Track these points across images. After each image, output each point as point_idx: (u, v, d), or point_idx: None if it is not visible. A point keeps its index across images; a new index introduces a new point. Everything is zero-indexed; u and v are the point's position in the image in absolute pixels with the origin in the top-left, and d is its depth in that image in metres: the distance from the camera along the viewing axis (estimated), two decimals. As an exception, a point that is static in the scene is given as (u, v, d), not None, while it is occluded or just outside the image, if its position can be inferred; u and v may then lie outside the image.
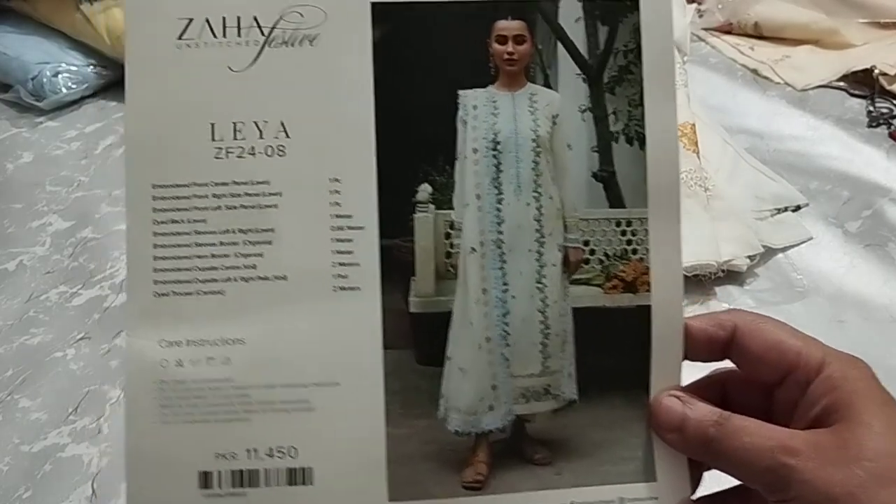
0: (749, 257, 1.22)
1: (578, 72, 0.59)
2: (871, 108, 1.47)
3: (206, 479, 0.57)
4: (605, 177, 0.60)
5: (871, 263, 1.25)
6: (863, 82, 1.58)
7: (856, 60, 1.63)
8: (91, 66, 1.53)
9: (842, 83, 1.61)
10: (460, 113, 0.58)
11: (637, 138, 0.59)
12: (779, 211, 1.33)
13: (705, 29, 1.85)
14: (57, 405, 0.98)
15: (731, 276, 1.20)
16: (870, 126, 1.46)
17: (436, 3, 0.59)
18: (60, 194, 1.31)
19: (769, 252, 1.25)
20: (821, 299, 1.18)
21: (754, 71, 1.71)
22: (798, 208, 1.34)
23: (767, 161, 1.42)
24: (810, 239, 1.29)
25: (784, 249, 1.27)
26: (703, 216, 1.22)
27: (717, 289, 1.19)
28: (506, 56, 0.59)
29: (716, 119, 1.51)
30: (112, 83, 1.56)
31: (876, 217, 1.31)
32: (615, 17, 0.59)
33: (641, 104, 0.59)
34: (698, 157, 1.32)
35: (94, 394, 0.99)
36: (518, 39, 0.59)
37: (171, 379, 0.57)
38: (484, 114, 0.59)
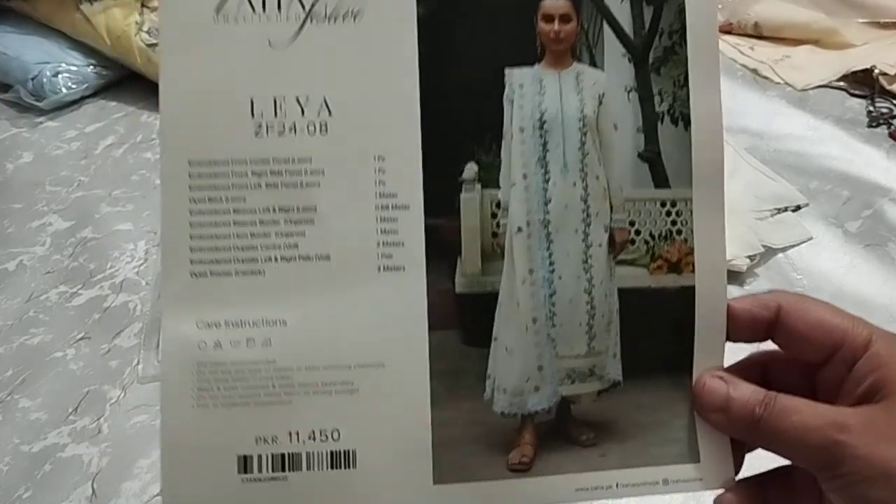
0: (749, 257, 1.23)
1: (624, 52, 0.59)
2: (871, 108, 1.48)
3: (245, 464, 0.56)
4: (651, 157, 0.60)
5: (871, 263, 1.26)
6: (863, 82, 1.60)
7: (856, 60, 1.65)
8: (91, 66, 1.54)
9: (842, 83, 1.62)
10: (507, 91, 0.58)
11: (682, 119, 0.59)
12: (779, 211, 1.34)
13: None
14: (57, 405, 0.98)
15: (730, 276, 1.18)
16: (870, 126, 1.47)
17: None
18: (60, 194, 1.31)
19: (769, 252, 1.26)
20: (821, 299, 1.18)
21: (754, 71, 1.72)
22: (798, 208, 1.35)
23: (767, 161, 1.43)
24: (810, 239, 1.30)
25: (784, 249, 1.28)
26: None
27: None
28: (552, 35, 0.58)
29: None
30: (112, 83, 1.56)
31: (876, 217, 1.33)
32: None
33: (686, 85, 0.59)
34: None
35: (93, 394, 0.99)
36: (564, 18, 0.58)
37: (209, 361, 0.56)
38: (530, 92, 0.58)
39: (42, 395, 0.99)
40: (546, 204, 0.59)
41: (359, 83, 0.57)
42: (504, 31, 0.59)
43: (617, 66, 0.60)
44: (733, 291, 1.17)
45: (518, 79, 0.58)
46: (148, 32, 1.42)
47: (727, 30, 1.86)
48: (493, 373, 0.58)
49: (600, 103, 0.59)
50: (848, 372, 0.57)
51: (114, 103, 1.53)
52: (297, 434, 0.56)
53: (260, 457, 0.56)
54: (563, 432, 0.59)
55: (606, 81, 0.60)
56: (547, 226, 0.59)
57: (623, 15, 0.59)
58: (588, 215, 0.59)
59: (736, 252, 1.22)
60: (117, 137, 1.44)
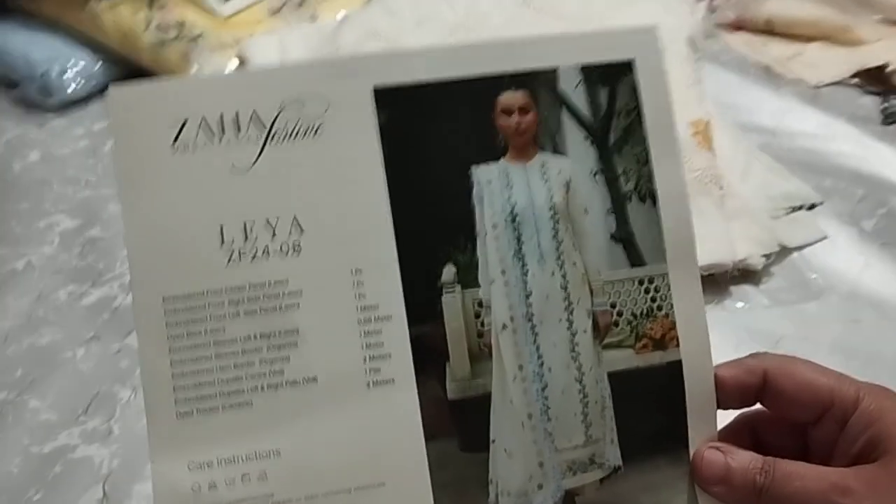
0: (765, 256, 1.22)
1: (585, 135, 0.61)
2: (886, 105, 1.47)
3: None
4: (624, 237, 0.62)
5: (886, 262, 1.26)
6: (876, 79, 1.59)
7: (869, 57, 1.65)
8: (99, 64, 1.53)
9: (855, 80, 1.61)
10: (475, 190, 0.59)
11: (649, 195, 0.61)
12: (793, 209, 1.34)
13: (717, 25, 1.85)
14: (67, 406, 0.98)
15: (746, 275, 1.21)
16: (883, 123, 1.47)
17: (437, 83, 0.60)
18: (68, 193, 1.31)
19: (784, 251, 1.26)
20: (836, 298, 1.19)
21: (766, 68, 1.71)
22: (812, 207, 1.35)
23: (780, 159, 1.43)
24: (825, 238, 1.29)
25: (799, 248, 1.27)
26: (718, 215, 1.23)
27: (732, 288, 1.20)
28: (513, 128, 0.60)
29: (728, 116, 1.51)
30: (120, 80, 1.54)
31: (891, 215, 1.33)
32: (613, 79, 0.61)
33: (648, 162, 0.61)
34: (713, 155, 1.33)
35: (104, 394, 0.99)
36: (523, 110, 0.60)
37: (205, 503, 0.56)
38: (498, 188, 0.60)
39: (52, 396, 0.99)
40: (527, 297, 0.60)
41: (327, 198, 0.58)
42: (465, 130, 0.60)
43: (580, 150, 0.62)
44: (749, 290, 1.18)
45: (485, 175, 0.60)
46: (156, 29, 1.43)
47: (739, 26, 1.86)
48: (495, 477, 0.59)
49: (568, 190, 0.61)
50: (840, 430, 0.59)
51: (122, 101, 1.53)
52: None
53: None
54: None
55: (571, 167, 0.61)
56: (531, 319, 0.60)
57: (579, 99, 0.61)
58: (570, 303, 0.61)
59: (751, 251, 1.22)
60: (124, 136, 1.45)
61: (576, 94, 0.61)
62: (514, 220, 0.60)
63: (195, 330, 0.56)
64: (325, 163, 0.58)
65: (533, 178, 0.60)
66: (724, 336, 0.96)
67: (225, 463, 0.56)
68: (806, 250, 1.27)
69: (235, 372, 0.56)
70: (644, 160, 0.61)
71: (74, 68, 1.51)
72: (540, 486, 0.60)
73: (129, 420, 0.96)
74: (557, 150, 0.61)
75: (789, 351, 0.64)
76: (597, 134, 0.61)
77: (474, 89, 0.60)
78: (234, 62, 1.39)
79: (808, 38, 1.78)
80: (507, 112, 0.60)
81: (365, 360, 0.57)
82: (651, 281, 0.61)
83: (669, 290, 0.61)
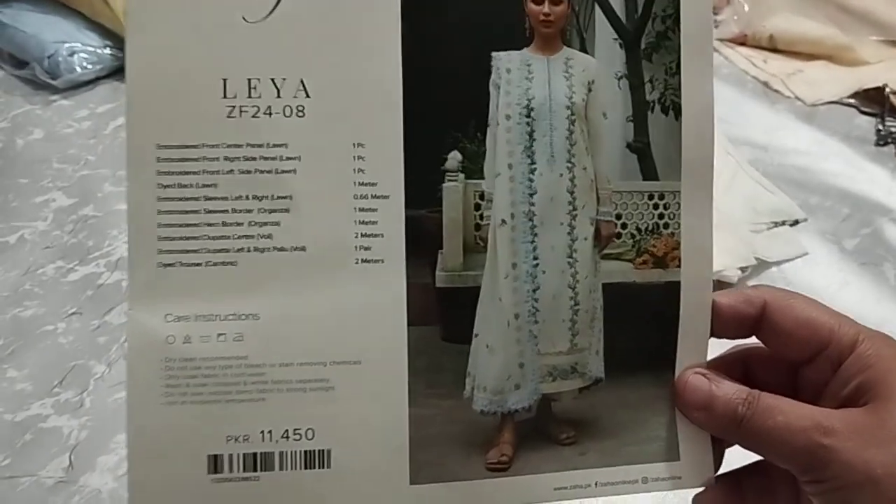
0: (741, 269, 1.26)
1: (615, 36, 0.60)
2: (881, 127, 1.50)
3: (216, 463, 0.57)
4: (640, 148, 0.61)
5: (864, 281, 1.30)
6: (874, 100, 1.61)
7: (868, 78, 1.67)
8: (107, 48, 1.60)
9: (852, 100, 1.63)
10: (493, 76, 0.59)
11: (673, 108, 0.60)
12: (776, 224, 1.36)
13: (720, 39, 1.86)
14: (43, 377, 1.03)
15: (721, 287, 1.24)
16: (877, 144, 1.49)
17: None
18: (66, 171, 1.37)
19: (763, 265, 1.30)
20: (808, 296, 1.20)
21: (765, 83, 1.74)
22: (796, 223, 1.37)
23: (770, 174, 1.45)
24: (805, 254, 1.31)
25: (778, 263, 1.30)
26: None
27: None
28: (542, 17, 0.59)
29: (720, 129, 1.52)
30: None
31: (874, 236, 1.36)
32: None
33: (678, 72, 0.60)
34: None
35: (80, 368, 1.04)
36: (555, 0, 0.59)
37: (178, 356, 0.56)
38: (518, 78, 0.59)
39: (29, 367, 1.05)
40: (531, 195, 0.60)
41: (338, 64, 0.57)
42: (491, 13, 0.59)
43: (608, 51, 0.61)
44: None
45: (505, 63, 0.59)
46: None
47: (741, 41, 1.88)
48: (473, 370, 0.60)
49: (590, 90, 0.60)
50: (833, 372, 0.59)
51: (126, 85, 1.57)
52: (270, 433, 0.57)
53: (231, 456, 0.57)
54: (544, 431, 0.61)
55: (597, 68, 0.60)
56: (532, 218, 0.60)
57: None
58: (574, 208, 0.61)
59: (728, 263, 1.25)
60: (127, 119, 1.49)
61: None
62: (528, 114, 0.59)
63: (187, 182, 0.56)
64: (341, 26, 0.57)
65: (555, 72, 0.60)
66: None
67: (202, 319, 0.57)
68: (785, 265, 1.30)
69: (223, 230, 0.56)
70: (674, 70, 0.60)
71: (82, 51, 1.57)
72: (517, 386, 0.61)
73: (101, 394, 1.01)
74: (584, 48, 0.60)
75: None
76: (628, 37, 0.60)
77: (508, -30, 0.59)
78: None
79: (810, 57, 1.80)
80: (538, 0, 0.59)
81: (356, 235, 0.57)
82: (661, 197, 0.61)
83: (679, 208, 0.61)
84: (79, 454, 0.95)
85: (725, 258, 1.24)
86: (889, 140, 1.49)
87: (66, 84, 1.55)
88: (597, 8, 0.60)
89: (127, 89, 0.56)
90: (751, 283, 1.27)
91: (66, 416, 0.99)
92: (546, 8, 0.59)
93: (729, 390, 0.59)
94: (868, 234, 1.36)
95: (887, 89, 1.61)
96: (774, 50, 1.86)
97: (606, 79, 0.60)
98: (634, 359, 0.62)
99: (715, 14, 1.92)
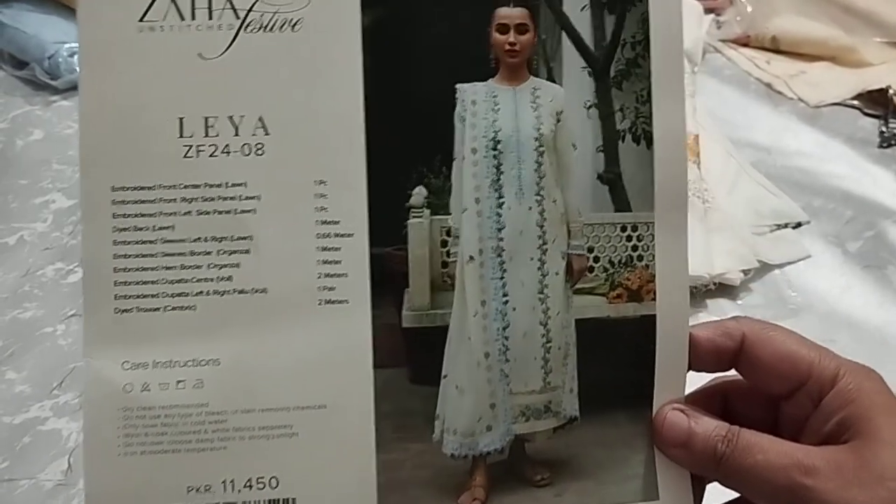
0: (743, 272, 1.26)
1: (584, 65, 0.59)
2: (884, 129, 1.49)
3: None
4: (611, 179, 0.60)
5: (867, 284, 1.30)
6: (878, 102, 1.59)
7: (872, 79, 1.67)
8: None
9: (856, 102, 1.62)
10: (458, 109, 0.58)
11: (644, 137, 0.59)
12: (778, 227, 1.36)
13: (722, 40, 1.85)
14: (42, 379, 1.04)
15: (724, 289, 1.25)
16: (881, 146, 1.48)
17: None
18: (66, 173, 1.37)
19: (765, 268, 1.31)
20: (813, 317, 1.23)
21: (768, 85, 1.75)
22: (798, 225, 1.38)
23: (773, 176, 1.44)
24: (808, 257, 1.31)
25: (780, 266, 1.29)
26: (698, 228, 1.26)
27: (708, 301, 1.24)
28: (507, 47, 0.58)
29: (724, 131, 1.54)
30: None
31: (878, 239, 1.36)
32: (623, 6, 0.59)
33: (649, 100, 0.59)
34: (699, 169, 1.37)
35: (79, 370, 1.04)
36: (520, 28, 0.58)
37: (136, 405, 0.55)
38: (483, 110, 0.58)
39: (28, 369, 1.05)
40: (499, 230, 0.59)
41: (298, 100, 0.56)
42: (456, 43, 0.59)
43: (576, 80, 0.60)
44: (725, 305, 1.20)
45: (470, 95, 0.58)
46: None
47: (744, 42, 1.88)
48: (442, 412, 0.59)
49: (558, 121, 0.59)
50: (814, 407, 0.58)
51: (126, 86, 1.59)
52: (233, 482, 0.56)
53: None
54: (517, 472, 0.60)
55: (565, 97, 0.59)
56: (500, 254, 0.59)
57: (583, 24, 0.59)
58: (544, 242, 0.60)
59: (730, 265, 1.26)
60: (128, 119, 1.50)
61: (580, 17, 0.59)
62: (495, 147, 0.58)
63: (143, 224, 0.55)
64: (299, 61, 0.56)
65: (522, 103, 0.59)
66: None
67: (161, 366, 0.55)
68: (788, 268, 1.30)
69: (182, 273, 0.55)
70: (645, 99, 0.59)
71: None
72: (489, 428, 0.60)
73: None
74: (552, 77, 0.60)
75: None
76: (597, 65, 0.59)
77: (471, -1, 0.58)
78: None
79: (813, 58, 1.79)
80: (504, 29, 0.58)
81: (319, 276, 0.56)
82: (635, 228, 0.60)
83: (653, 240, 0.59)
84: (78, 457, 0.95)
85: (728, 261, 1.24)
86: (893, 142, 1.48)
87: (67, 85, 1.56)
88: (564, 36, 0.59)
89: (80, 129, 0.56)
90: (752, 285, 1.27)
91: (66, 418, 0.99)
92: (511, 37, 0.58)
93: (708, 427, 0.57)
94: (871, 236, 1.35)
95: (891, 91, 1.60)
96: (777, 51, 1.86)
97: (575, 108, 0.59)
98: (610, 396, 0.60)
99: (718, 15, 1.92)
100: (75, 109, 1.49)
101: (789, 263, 1.30)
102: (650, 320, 0.59)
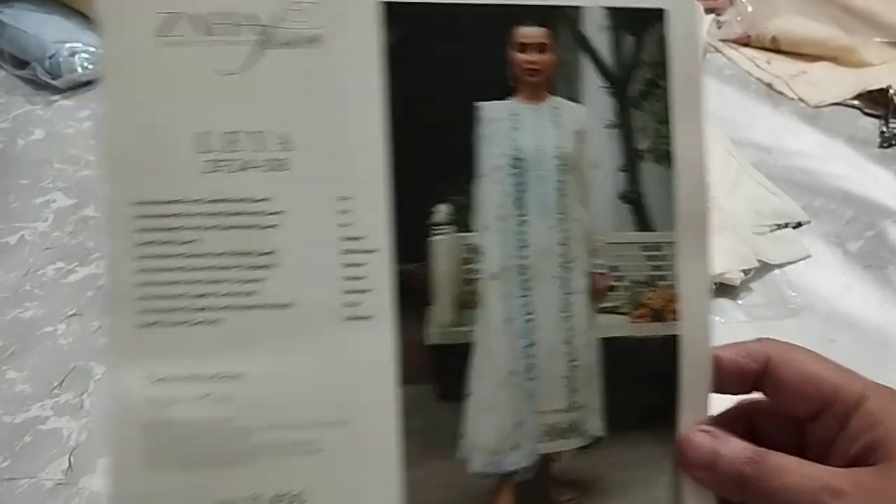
0: (744, 271, 1.27)
1: (603, 84, 0.61)
2: (885, 129, 1.49)
3: None
4: (633, 198, 0.61)
5: (868, 284, 1.31)
6: (878, 102, 1.60)
7: (872, 79, 1.68)
8: None
9: (856, 102, 1.62)
10: (480, 127, 0.58)
11: (665, 157, 0.60)
12: (778, 227, 1.37)
13: (723, 40, 1.86)
14: (43, 378, 1.05)
15: (724, 289, 1.26)
16: (881, 146, 1.48)
17: (452, 3, 0.58)
18: (67, 172, 1.39)
19: (765, 267, 1.32)
20: (813, 317, 1.24)
21: (769, 85, 1.77)
22: (799, 225, 1.39)
23: (773, 176, 1.46)
24: (808, 257, 1.32)
25: (781, 266, 1.30)
26: None
27: None
28: (526, 66, 0.59)
29: (724, 131, 1.55)
30: None
31: (878, 238, 1.37)
32: (641, 26, 0.60)
33: (668, 121, 0.60)
34: None
35: (80, 369, 1.06)
36: (540, 48, 0.59)
37: (161, 420, 0.55)
38: (505, 129, 0.59)
39: (29, 368, 1.06)
40: (522, 248, 0.59)
41: (320, 116, 0.57)
42: (476, 61, 0.59)
43: (596, 99, 0.61)
44: (725, 305, 1.20)
45: (491, 114, 0.59)
46: None
47: (745, 42, 1.91)
48: (467, 431, 0.59)
49: (579, 140, 0.60)
50: (840, 429, 0.58)
51: (128, 85, 1.59)
52: (259, 497, 0.56)
53: None
54: (543, 492, 0.60)
55: (586, 116, 0.60)
56: (524, 272, 0.59)
57: (602, 44, 0.60)
58: (567, 260, 0.60)
59: (730, 265, 1.27)
60: (128, 118, 1.51)
61: (599, 38, 0.60)
62: (517, 166, 0.59)
63: (168, 238, 0.56)
64: (322, 77, 0.57)
65: (543, 122, 0.60)
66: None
67: (187, 380, 0.55)
68: (788, 268, 1.31)
69: (206, 287, 0.56)
70: (664, 119, 0.60)
71: (83, 51, 1.59)
72: (515, 447, 0.59)
73: (101, 395, 1.02)
74: (572, 96, 0.60)
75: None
76: (617, 84, 0.60)
77: (491, 17, 0.59)
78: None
79: (814, 58, 1.80)
80: (523, 48, 0.59)
81: (344, 292, 0.57)
82: (657, 248, 0.60)
83: (676, 259, 0.60)
84: (78, 456, 0.96)
85: (728, 260, 1.25)
86: (893, 142, 1.49)
87: (67, 84, 1.57)
88: (584, 55, 0.60)
89: (104, 146, 0.56)
90: (753, 285, 1.28)
91: (66, 417, 1.00)
92: (531, 56, 0.59)
93: (734, 448, 0.57)
94: (872, 236, 1.37)
95: (891, 91, 1.61)
96: (778, 51, 1.88)
97: (596, 127, 0.60)
98: (635, 416, 0.61)
99: (718, 15, 1.93)
100: (76, 109, 1.52)
101: (790, 263, 1.31)
102: (673, 341, 0.60)
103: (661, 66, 0.60)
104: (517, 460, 0.59)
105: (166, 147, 0.55)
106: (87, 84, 1.58)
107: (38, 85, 1.57)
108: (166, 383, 0.55)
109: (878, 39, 1.81)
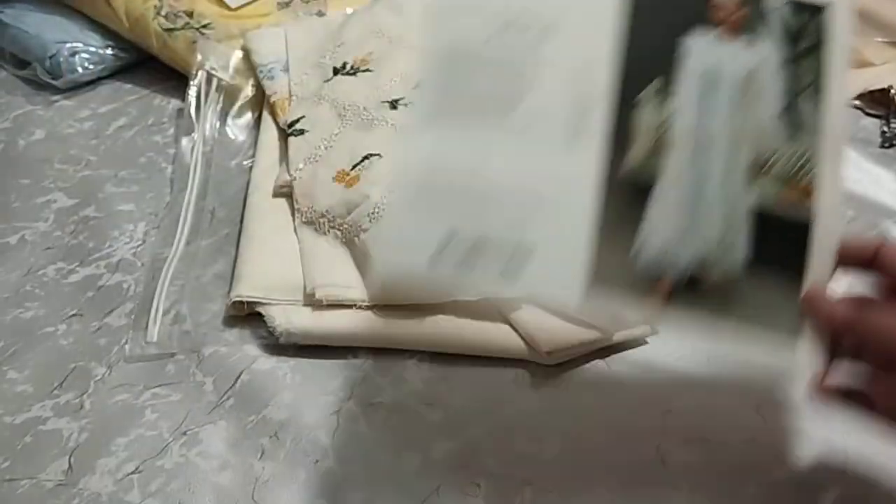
0: None
1: (780, 36, 0.82)
2: (886, 129, 1.49)
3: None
4: (792, 118, 0.81)
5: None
6: (879, 102, 1.61)
7: (873, 79, 1.66)
8: (108, 48, 1.60)
9: (858, 102, 1.63)
10: (687, 43, 0.82)
11: (818, 92, 0.81)
12: None
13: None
14: (43, 379, 1.04)
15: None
16: (882, 146, 1.48)
17: None
18: (68, 172, 1.37)
19: None
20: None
21: None
22: None
23: None
24: None
25: None
26: None
27: None
28: (723, 16, 0.82)
29: None
30: (128, 65, 1.62)
31: None
32: (810, 12, 0.83)
33: (821, 74, 0.82)
34: None
35: (80, 370, 1.05)
36: (735, 5, 0.83)
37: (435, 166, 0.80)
38: (705, 48, 0.81)
39: (30, 368, 1.06)
40: (703, 129, 0.81)
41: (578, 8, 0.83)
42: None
43: (774, 47, 0.82)
44: None
45: (697, 36, 0.82)
46: (165, 17, 1.50)
47: None
48: (645, 233, 0.79)
49: (757, 70, 0.82)
50: None
51: (128, 85, 1.57)
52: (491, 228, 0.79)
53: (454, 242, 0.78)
54: (690, 293, 0.79)
55: (766, 55, 0.82)
56: (700, 144, 0.80)
57: (781, 13, 0.83)
58: (734, 142, 0.81)
59: None
60: (129, 119, 1.49)
61: (780, 10, 0.83)
62: (709, 72, 0.81)
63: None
64: None
65: (734, 49, 0.82)
66: (696, 346, 1.06)
67: (458, 141, 0.80)
68: None
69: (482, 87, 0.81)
70: (822, 66, 0.82)
71: (84, 52, 1.57)
72: (676, 255, 0.79)
73: (101, 396, 1.02)
74: (757, 39, 0.83)
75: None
76: (788, 40, 0.82)
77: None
78: (239, 54, 1.46)
79: (815, 58, 1.81)
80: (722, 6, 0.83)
81: (570, 115, 0.80)
82: (805, 152, 0.80)
83: (819, 162, 0.80)
84: (78, 457, 0.96)
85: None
86: (894, 142, 1.49)
87: (68, 84, 1.55)
88: (768, 15, 0.83)
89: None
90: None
91: (66, 418, 1.00)
92: (728, 10, 0.82)
93: (846, 300, 0.76)
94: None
95: (892, 91, 1.61)
96: (779, 51, 1.88)
97: (771, 64, 0.82)
98: (772, 268, 0.79)
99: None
100: (77, 109, 1.54)
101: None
102: (809, 218, 0.79)
103: (820, 36, 0.82)
104: (675, 270, 0.79)
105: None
106: (88, 84, 1.56)
107: (39, 85, 1.55)
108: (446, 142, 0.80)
109: (880, 39, 1.81)
